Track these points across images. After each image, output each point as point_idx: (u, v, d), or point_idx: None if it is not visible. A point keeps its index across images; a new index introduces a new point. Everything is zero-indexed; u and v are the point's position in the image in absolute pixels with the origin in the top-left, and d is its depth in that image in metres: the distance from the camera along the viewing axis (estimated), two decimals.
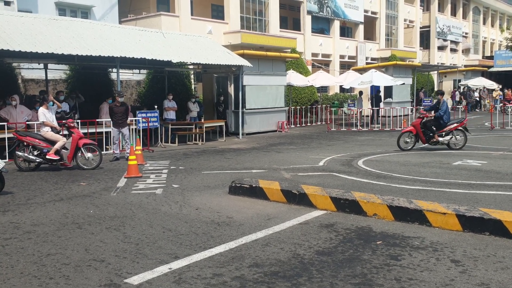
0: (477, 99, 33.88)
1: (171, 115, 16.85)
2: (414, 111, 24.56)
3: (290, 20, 35.39)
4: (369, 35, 40.16)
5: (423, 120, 13.44)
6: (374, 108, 22.57)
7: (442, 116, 13.26)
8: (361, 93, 24.28)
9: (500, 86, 36.03)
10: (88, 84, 17.22)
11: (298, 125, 23.16)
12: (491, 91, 35.26)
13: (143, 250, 5.06)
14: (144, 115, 14.61)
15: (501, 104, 27.24)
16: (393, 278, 4.22)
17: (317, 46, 34.11)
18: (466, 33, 53.20)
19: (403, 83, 25.21)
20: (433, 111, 13.53)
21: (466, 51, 53.24)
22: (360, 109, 23.62)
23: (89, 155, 10.83)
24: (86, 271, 4.47)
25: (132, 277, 4.31)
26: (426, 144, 13.59)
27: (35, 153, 10.61)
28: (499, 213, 5.67)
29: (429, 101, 26.58)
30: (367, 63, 35.48)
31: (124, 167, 10.65)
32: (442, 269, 4.44)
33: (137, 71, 19.68)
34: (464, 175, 9.35)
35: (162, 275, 4.35)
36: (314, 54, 33.83)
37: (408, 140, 13.42)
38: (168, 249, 5.10)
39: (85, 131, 12.73)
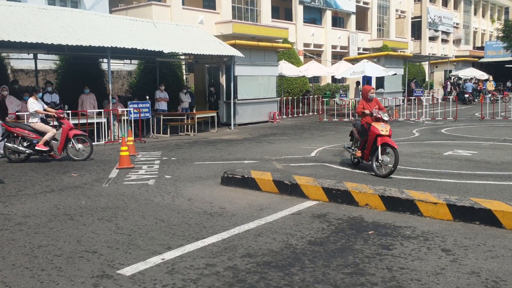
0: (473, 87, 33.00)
1: (163, 106, 16.77)
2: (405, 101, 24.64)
3: (282, 10, 35.22)
4: (361, 25, 40.12)
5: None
6: None
7: None
8: (358, 83, 24.01)
9: (490, 77, 36.18)
10: (79, 75, 17.06)
11: (290, 116, 23.15)
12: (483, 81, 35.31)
13: (135, 241, 5.05)
14: (135, 105, 14.53)
15: (490, 95, 27.37)
16: (384, 267, 4.26)
17: (309, 36, 34.02)
18: (457, 24, 53.31)
19: (395, 74, 25.22)
20: None
21: (457, 42, 53.40)
22: (353, 99, 23.59)
23: (79, 146, 10.76)
24: (78, 263, 4.45)
25: (125, 268, 4.31)
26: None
27: (25, 144, 10.52)
28: (489, 202, 5.73)
29: (420, 92, 26.64)
30: (359, 54, 35.49)
31: (116, 158, 10.60)
32: (433, 258, 4.48)
33: (128, 61, 19.52)
34: (455, 165, 9.42)
35: (155, 266, 4.35)
36: (306, 44, 33.75)
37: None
38: (161, 239, 5.10)
39: (76, 122, 12.64)
